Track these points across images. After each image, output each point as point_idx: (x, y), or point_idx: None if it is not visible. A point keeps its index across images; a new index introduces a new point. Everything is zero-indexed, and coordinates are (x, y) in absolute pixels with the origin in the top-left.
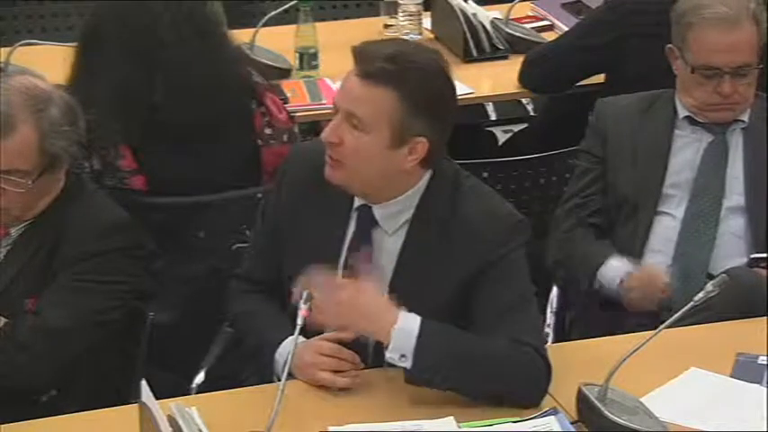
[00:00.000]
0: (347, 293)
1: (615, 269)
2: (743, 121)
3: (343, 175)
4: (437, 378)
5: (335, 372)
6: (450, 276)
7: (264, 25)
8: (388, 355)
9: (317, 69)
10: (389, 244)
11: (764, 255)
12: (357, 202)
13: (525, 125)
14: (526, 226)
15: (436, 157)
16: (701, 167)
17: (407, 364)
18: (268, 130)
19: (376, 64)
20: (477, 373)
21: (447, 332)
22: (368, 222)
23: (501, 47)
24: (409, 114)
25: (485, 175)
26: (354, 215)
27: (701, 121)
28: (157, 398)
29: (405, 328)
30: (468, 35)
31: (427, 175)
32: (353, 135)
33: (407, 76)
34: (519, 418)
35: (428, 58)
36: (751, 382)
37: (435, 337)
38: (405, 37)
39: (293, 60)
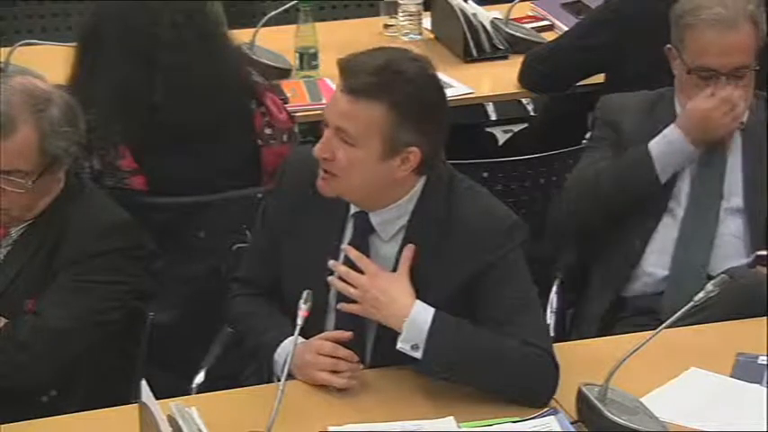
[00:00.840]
0: (364, 278)
1: (665, 133)
2: (741, 122)
3: (336, 188)
4: (448, 371)
5: (334, 371)
6: (449, 280)
7: (264, 25)
8: (399, 344)
9: (317, 69)
10: (386, 250)
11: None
12: (354, 208)
13: (525, 125)
14: (522, 226)
15: (430, 163)
16: (699, 168)
17: (419, 354)
18: (268, 130)
19: (362, 78)
20: (489, 369)
21: (460, 326)
22: (364, 229)
23: (501, 47)
24: (399, 125)
25: (485, 175)
26: (351, 221)
27: None
28: (157, 398)
29: (418, 318)
30: (468, 35)
31: (422, 181)
32: (344, 149)
33: (395, 88)
34: (519, 418)
35: (415, 66)
36: (751, 382)
37: (449, 330)
38: (404, 38)
39: (293, 60)
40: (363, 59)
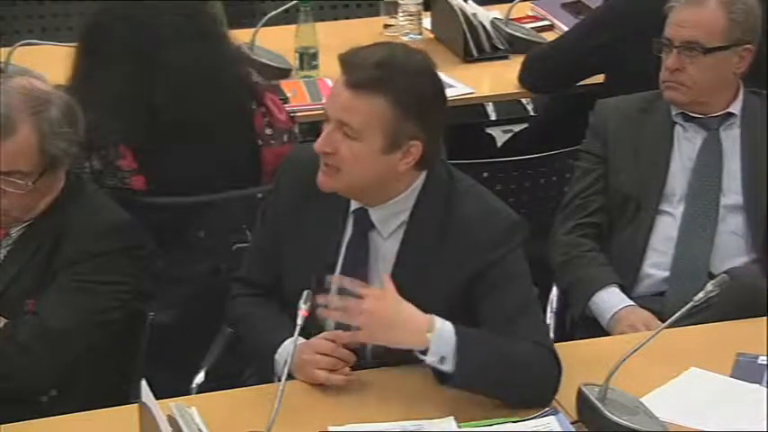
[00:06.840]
0: (370, 303)
1: (608, 303)
2: (734, 114)
3: (337, 182)
4: (478, 380)
5: (332, 370)
6: (449, 279)
7: (264, 25)
8: (428, 359)
9: (317, 69)
10: (386, 247)
11: None
12: (354, 204)
13: (525, 125)
14: (523, 226)
15: (431, 158)
16: (696, 165)
17: (448, 366)
18: (268, 131)
19: (363, 72)
20: (512, 374)
21: (481, 335)
22: (364, 225)
23: (501, 47)
24: (401, 119)
25: (485, 175)
26: (351, 218)
27: (692, 116)
28: (157, 398)
29: (442, 332)
30: (468, 35)
31: (422, 177)
32: (347, 143)
33: (396, 81)
34: (519, 418)
35: (415, 60)
36: (751, 382)
37: (472, 340)
38: (404, 37)
39: (293, 60)
40: (364, 54)
